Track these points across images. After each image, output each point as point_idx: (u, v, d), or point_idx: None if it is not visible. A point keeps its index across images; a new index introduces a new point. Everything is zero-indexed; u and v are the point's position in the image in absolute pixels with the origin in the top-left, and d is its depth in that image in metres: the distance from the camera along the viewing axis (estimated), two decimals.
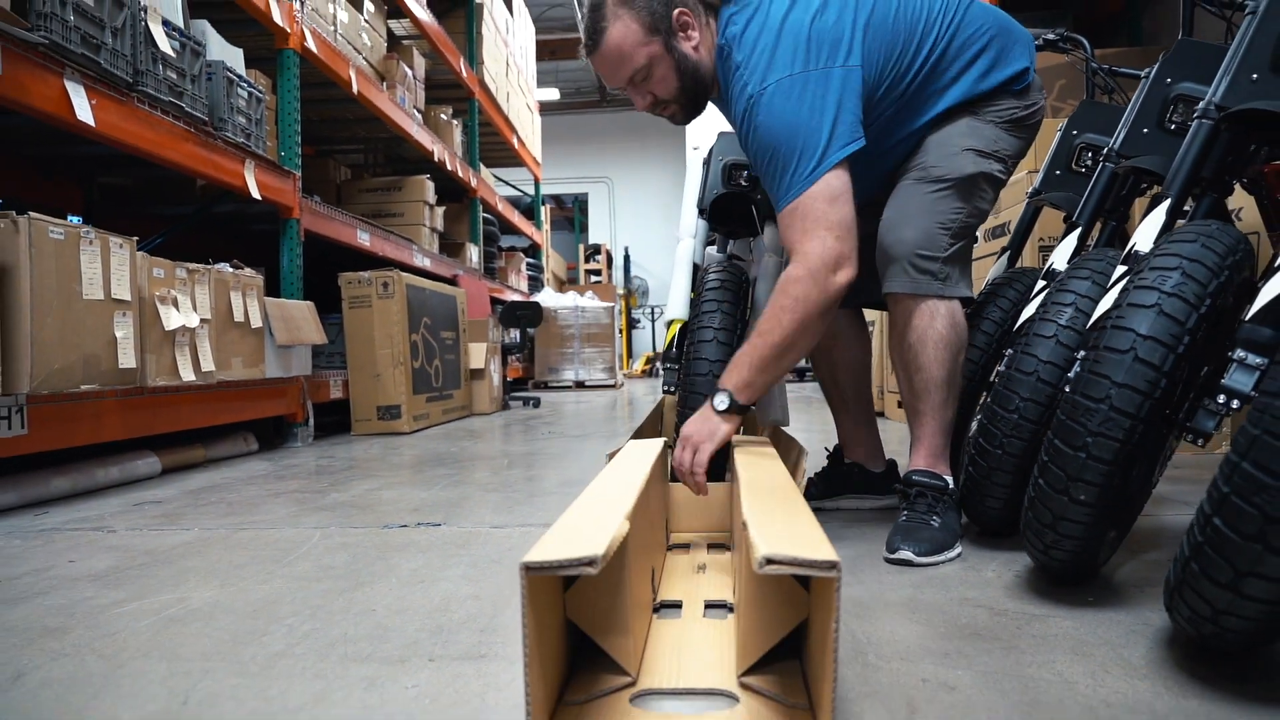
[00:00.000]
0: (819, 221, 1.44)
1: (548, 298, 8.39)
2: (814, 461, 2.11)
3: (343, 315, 3.91)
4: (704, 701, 0.90)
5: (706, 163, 2.06)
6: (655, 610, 1.18)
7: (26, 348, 1.97)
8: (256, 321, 3.03)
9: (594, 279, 12.41)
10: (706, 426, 1.50)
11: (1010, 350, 1.51)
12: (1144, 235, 1.31)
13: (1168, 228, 1.31)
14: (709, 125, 1.95)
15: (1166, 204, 1.31)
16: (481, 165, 6.75)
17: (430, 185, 5.41)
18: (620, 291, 11.81)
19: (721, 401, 1.49)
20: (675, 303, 2.05)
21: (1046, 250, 2.85)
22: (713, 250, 2.15)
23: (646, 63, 1.56)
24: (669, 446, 1.61)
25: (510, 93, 7.46)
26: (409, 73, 4.97)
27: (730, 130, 1.73)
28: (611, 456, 1.52)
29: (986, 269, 2.10)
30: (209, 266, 2.77)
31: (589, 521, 0.90)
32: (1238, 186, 1.91)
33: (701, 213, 2.07)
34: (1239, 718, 0.85)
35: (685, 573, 1.36)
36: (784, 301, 1.45)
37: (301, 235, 3.55)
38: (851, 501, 1.93)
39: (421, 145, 5.13)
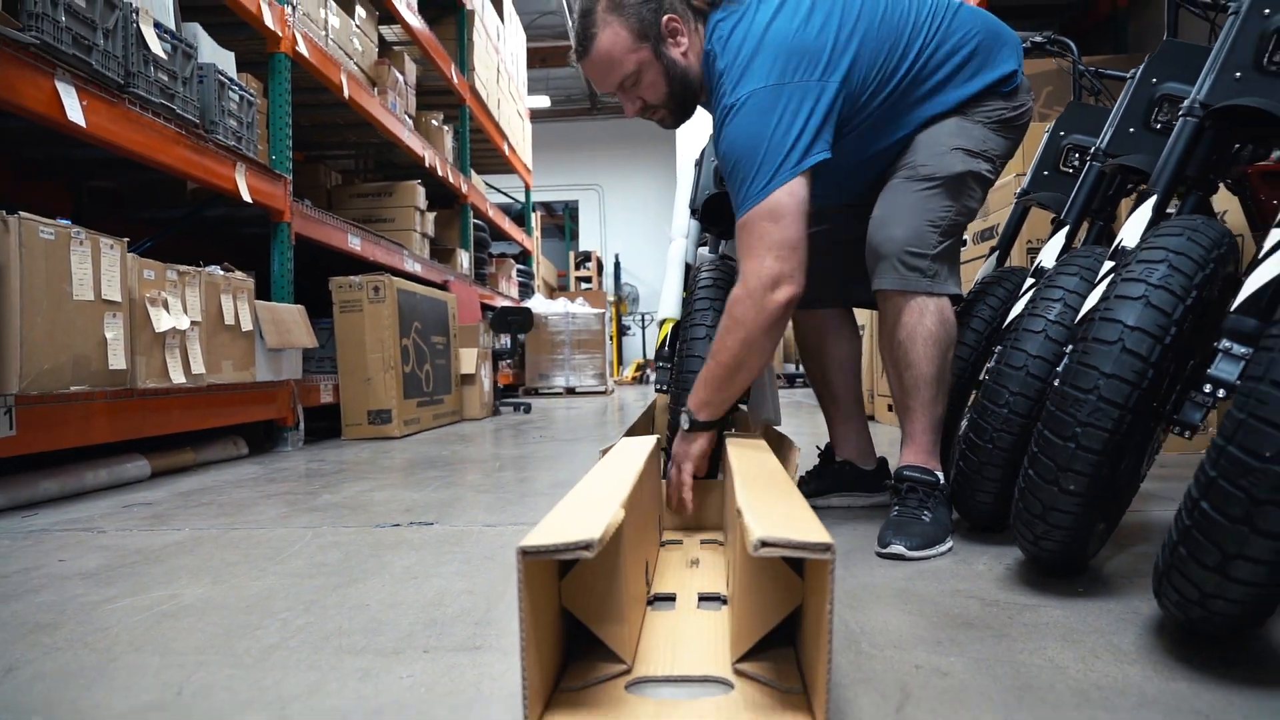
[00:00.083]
0: (761, 240, 1.47)
1: (538, 304, 8.39)
2: (805, 460, 2.12)
3: (333, 319, 3.90)
4: (699, 688, 0.90)
5: (699, 164, 2.07)
6: (649, 603, 1.18)
7: (16, 348, 1.96)
8: (247, 324, 3.02)
9: (584, 286, 12.43)
10: (682, 447, 1.59)
11: (1000, 347, 1.53)
12: (1131, 231, 1.33)
13: (1154, 223, 1.32)
14: (699, 129, 1.96)
15: (1152, 200, 1.33)
16: (472, 171, 6.75)
17: (421, 191, 5.41)
18: (611, 298, 11.82)
19: (685, 421, 1.59)
20: (668, 302, 2.06)
21: (1034, 252, 2.88)
22: (705, 251, 2.16)
23: (635, 69, 1.58)
24: (663, 448, 1.63)
25: (501, 99, 7.47)
26: (400, 78, 4.98)
27: None
28: (605, 453, 1.53)
29: (976, 271, 2.11)
30: (200, 269, 2.77)
31: (585, 509, 0.91)
32: (1223, 188, 1.94)
33: (694, 213, 2.08)
34: (1227, 699, 0.86)
35: (678, 567, 1.37)
36: (728, 322, 1.52)
37: (292, 239, 3.55)
38: (843, 499, 1.94)
39: (412, 151, 5.13)
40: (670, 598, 1.20)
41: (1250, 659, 0.97)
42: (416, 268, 5.01)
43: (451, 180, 5.95)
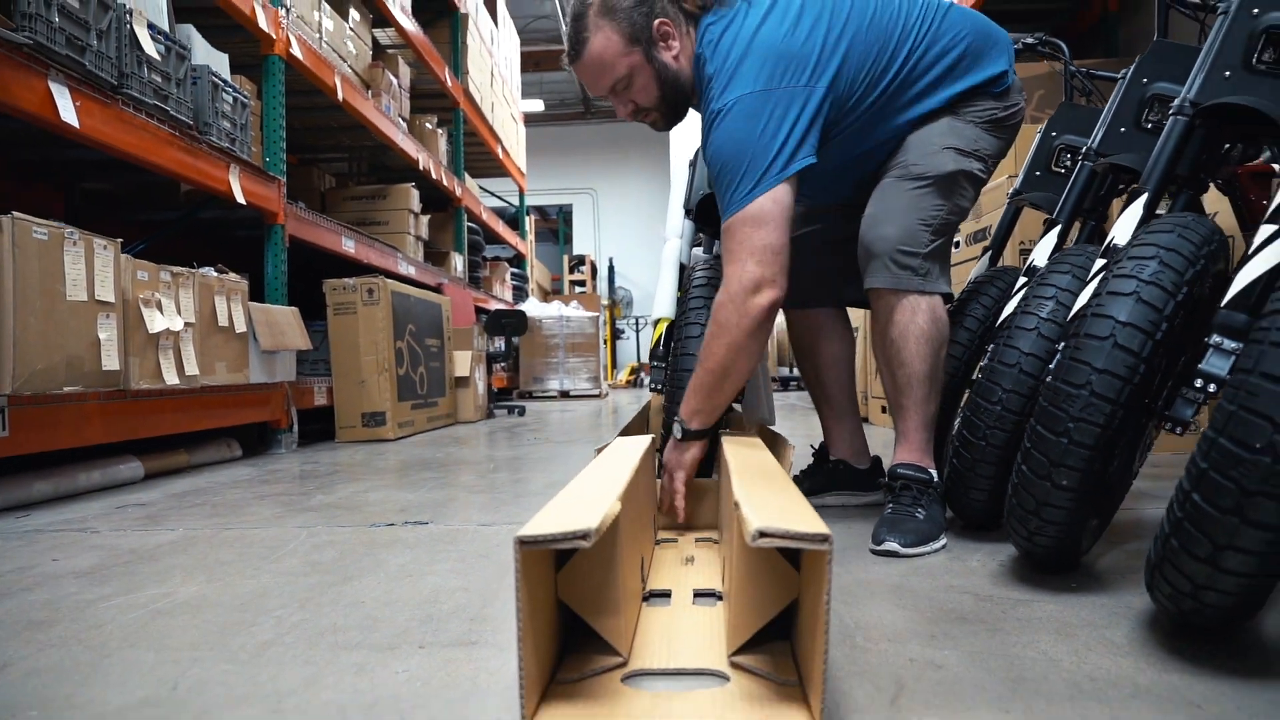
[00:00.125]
0: (743, 245, 1.48)
1: (533, 307, 8.39)
2: (800, 460, 2.12)
3: (327, 322, 3.89)
4: (695, 680, 0.90)
5: (693, 164, 2.08)
6: (645, 599, 1.18)
7: (9, 348, 1.95)
8: (241, 326, 3.02)
9: (579, 290, 12.43)
10: (675, 455, 1.60)
11: (993, 345, 1.54)
12: (1122, 228, 1.34)
13: (1145, 221, 1.33)
14: (694, 130, 1.97)
15: (1144, 198, 1.34)
16: (466, 175, 6.76)
17: (415, 193, 5.41)
18: (605, 302, 11.82)
19: (677, 431, 1.60)
20: (662, 302, 2.06)
21: (1027, 253, 2.89)
22: (699, 251, 2.17)
23: (627, 72, 1.59)
24: (658, 449, 1.63)
25: (495, 103, 7.48)
26: (394, 81, 4.99)
27: None
28: (600, 452, 1.53)
29: (969, 272, 2.12)
30: (193, 270, 2.76)
31: (581, 502, 0.91)
32: (1214, 189, 1.96)
33: (688, 213, 2.09)
34: (1219, 690, 0.87)
35: (674, 564, 1.37)
36: (713, 328, 1.53)
37: (286, 241, 3.54)
38: (837, 498, 1.94)
39: (406, 153, 5.13)
40: (666, 594, 1.20)
41: (1242, 651, 0.98)
42: (410, 270, 5.01)
43: (445, 183, 5.95)
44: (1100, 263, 1.32)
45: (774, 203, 1.47)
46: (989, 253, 2.04)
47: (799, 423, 4.37)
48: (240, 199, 3.12)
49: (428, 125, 5.74)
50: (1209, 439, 0.86)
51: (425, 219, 5.68)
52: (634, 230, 13.67)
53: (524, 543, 0.76)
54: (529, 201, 10.32)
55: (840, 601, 1.20)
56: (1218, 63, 1.27)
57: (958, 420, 1.63)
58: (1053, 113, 1.97)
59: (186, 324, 2.66)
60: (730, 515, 1.00)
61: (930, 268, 1.59)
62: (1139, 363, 1.10)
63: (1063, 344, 1.22)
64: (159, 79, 2.62)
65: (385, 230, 5.18)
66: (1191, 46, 1.52)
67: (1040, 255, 1.69)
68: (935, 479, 1.60)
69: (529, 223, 9.94)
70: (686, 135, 1.93)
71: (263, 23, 3.34)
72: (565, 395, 8.28)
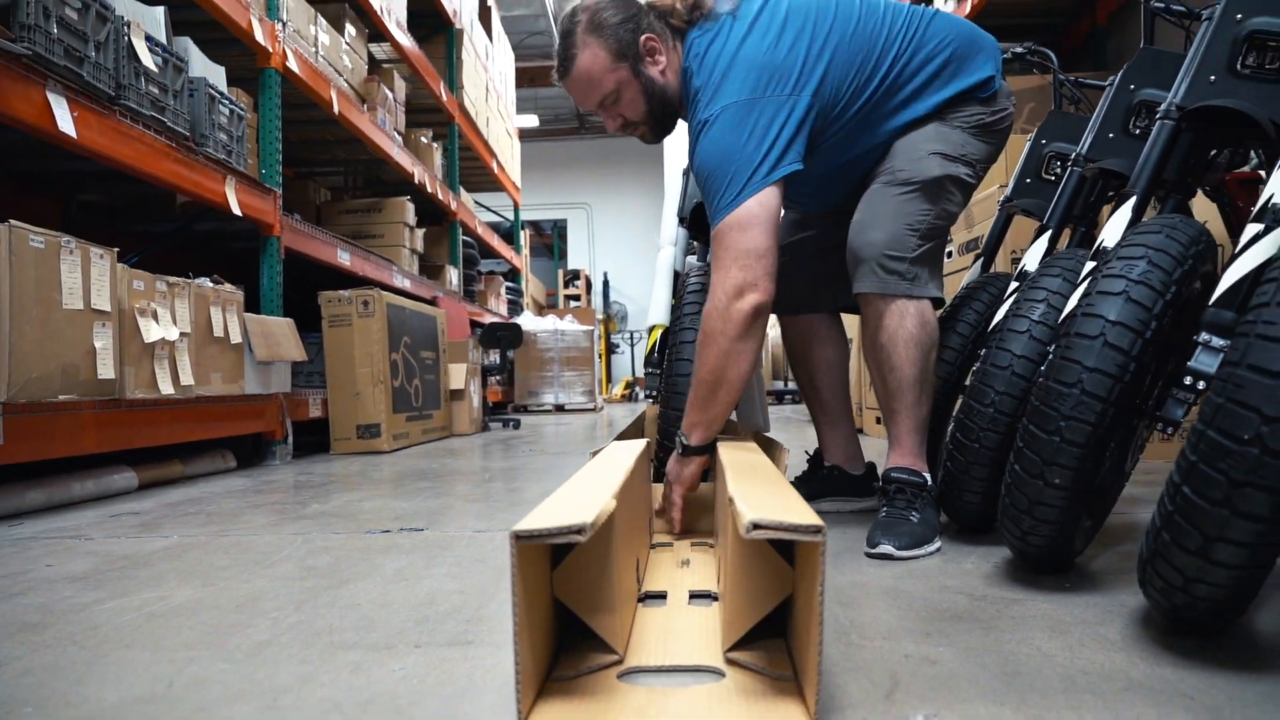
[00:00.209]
0: (728, 251, 1.50)
1: (527, 321, 8.40)
2: (794, 466, 2.13)
3: (322, 334, 3.89)
4: (690, 677, 0.90)
5: (687, 173, 2.10)
6: (640, 600, 1.18)
7: (5, 355, 1.95)
8: (236, 337, 3.02)
9: (573, 304, 12.44)
10: (676, 469, 1.61)
11: (985, 350, 1.55)
12: (1111, 231, 1.36)
13: (1133, 222, 1.35)
14: (687, 140, 1.99)
15: (1132, 201, 1.36)
16: (461, 189, 6.78)
17: (410, 207, 5.43)
18: (599, 316, 11.84)
19: (679, 446, 1.61)
20: (657, 308, 2.07)
21: (1018, 262, 2.91)
22: (693, 259, 2.18)
23: (615, 87, 1.62)
24: (652, 459, 1.64)
25: (490, 118, 7.52)
26: (389, 95, 5.01)
27: None
28: (594, 455, 1.54)
29: (961, 281, 2.14)
30: (189, 280, 2.77)
31: (577, 498, 0.92)
32: (1202, 197, 1.98)
33: (682, 221, 2.10)
34: (1211, 682, 0.87)
35: (669, 567, 1.37)
36: (702, 338, 1.54)
37: (282, 253, 3.55)
38: (832, 504, 1.95)
39: (402, 167, 5.15)
40: (661, 595, 1.20)
41: (1234, 647, 0.98)
42: (405, 283, 5.01)
43: (440, 197, 5.97)
44: (1090, 265, 1.34)
45: (760, 206, 1.49)
46: (981, 259, 2.06)
47: (793, 434, 4.38)
48: (236, 210, 3.13)
49: (423, 139, 5.77)
50: (1198, 431, 0.87)
51: (420, 232, 5.69)
52: (628, 245, 13.71)
53: (520, 537, 0.77)
54: (524, 216, 10.35)
55: (835, 603, 1.20)
56: (1202, 67, 1.29)
57: (950, 426, 1.63)
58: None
59: (182, 334, 2.66)
60: (725, 512, 1.01)
61: (918, 272, 1.61)
62: (1129, 361, 1.11)
63: (1054, 346, 1.23)
64: (156, 90, 2.63)
65: (380, 243, 5.19)
66: (1177, 54, 1.54)
67: (1031, 260, 1.71)
68: (929, 482, 1.60)
69: (524, 237, 9.97)
70: (681, 144, 1.95)
71: (259, 36, 3.37)
72: (560, 409, 8.27)
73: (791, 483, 1.94)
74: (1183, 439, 1.06)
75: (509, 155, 8.52)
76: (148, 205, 3.64)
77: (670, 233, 2.15)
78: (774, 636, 0.97)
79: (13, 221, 1.99)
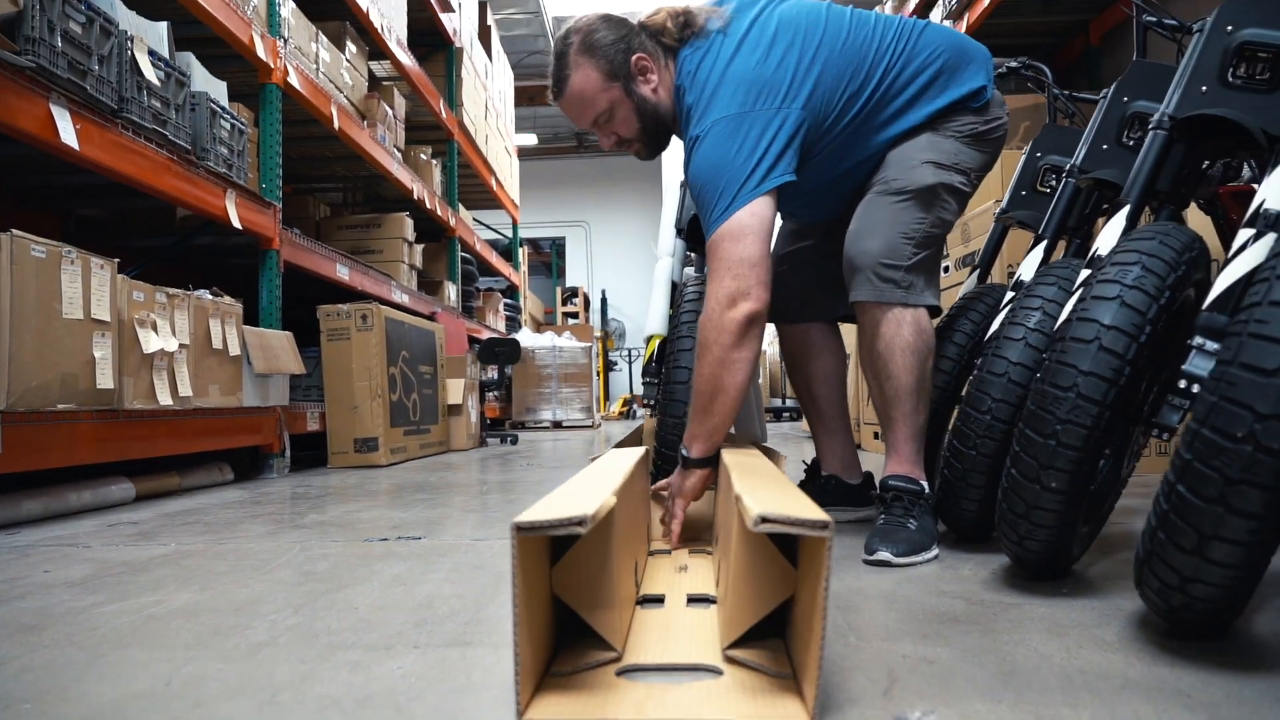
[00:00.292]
0: (721, 261, 1.52)
1: (525, 337, 8.41)
2: (792, 476, 2.13)
3: (321, 348, 3.90)
4: (689, 675, 0.91)
5: (684, 184, 2.11)
6: (639, 603, 1.19)
7: (4, 364, 1.96)
8: (235, 349, 3.02)
9: (571, 321, 12.47)
10: (678, 481, 1.62)
11: (982, 358, 1.56)
12: (1106, 239, 1.37)
13: (1127, 231, 1.36)
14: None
15: (1126, 209, 1.37)
16: (460, 206, 6.81)
17: (409, 223, 5.45)
18: (597, 334, 11.86)
19: (681, 460, 1.61)
20: (655, 319, 2.08)
21: (1013, 275, 2.93)
22: (690, 270, 2.20)
23: (608, 106, 1.65)
24: (650, 472, 1.65)
25: (489, 135, 7.56)
26: (389, 112, 5.05)
27: None
28: (593, 461, 1.54)
29: (958, 293, 2.15)
30: (189, 292, 2.77)
31: (578, 494, 0.92)
32: (1196, 209, 2.00)
33: (679, 232, 2.12)
34: (1207, 680, 0.88)
35: (667, 572, 1.37)
36: (698, 349, 1.56)
37: (281, 267, 3.56)
38: (830, 513, 1.94)
39: (401, 183, 5.18)
40: (659, 599, 1.21)
41: (1231, 648, 0.99)
42: (404, 298, 5.03)
43: (439, 213, 6.00)
44: (1085, 273, 1.35)
45: (752, 215, 1.50)
46: (977, 270, 2.07)
47: (791, 449, 4.38)
48: (236, 224, 3.14)
49: (422, 156, 5.80)
50: (1192, 430, 0.88)
51: (419, 248, 5.71)
52: (627, 263, 13.75)
53: (521, 529, 0.77)
54: (522, 234, 10.39)
55: (833, 607, 1.20)
56: (1194, 79, 1.31)
57: (948, 436, 1.64)
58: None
59: (181, 345, 2.67)
60: (730, 511, 1.01)
61: (914, 280, 1.62)
62: (1124, 365, 1.12)
63: (1049, 350, 1.24)
64: (158, 104, 2.65)
65: (379, 259, 5.21)
66: (1169, 66, 1.56)
67: (1027, 270, 1.72)
68: (926, 490, 1.61)
69: (522, 254, 10.00)
70: (679, 156, 1.97)
71: (261, 52, 3.40)
72: (558, 425, 8.27)
73: None
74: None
75: (508, 173, 8.56)
76: (147, 220, 3.66)
77: (668, 244, 2.16)
78: (773, 637, 0.97)
79: (14, 231, 2.00)
